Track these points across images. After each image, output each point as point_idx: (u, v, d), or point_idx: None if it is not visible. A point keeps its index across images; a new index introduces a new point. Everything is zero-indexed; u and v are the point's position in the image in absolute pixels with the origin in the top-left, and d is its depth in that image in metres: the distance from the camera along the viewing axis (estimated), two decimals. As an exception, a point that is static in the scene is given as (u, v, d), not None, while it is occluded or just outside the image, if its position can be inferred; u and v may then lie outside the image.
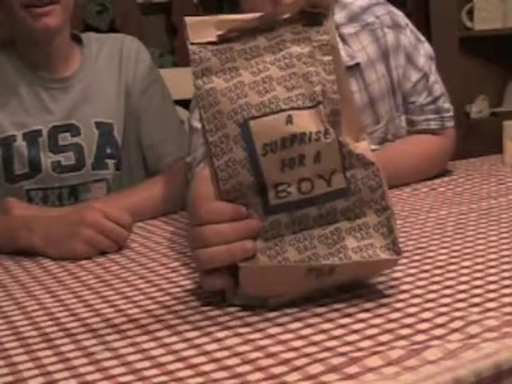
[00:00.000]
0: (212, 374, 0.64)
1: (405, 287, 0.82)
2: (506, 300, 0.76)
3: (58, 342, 0.74)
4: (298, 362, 0.65)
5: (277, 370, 0.64)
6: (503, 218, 1.09)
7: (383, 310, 0.76)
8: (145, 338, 0.74)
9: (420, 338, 0.68)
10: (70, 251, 1.07)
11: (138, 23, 2.71)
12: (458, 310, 0.75)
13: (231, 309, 0.79)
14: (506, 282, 0.82)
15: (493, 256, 0.91)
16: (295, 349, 0.68)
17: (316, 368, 0.64)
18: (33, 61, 1.39)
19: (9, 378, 0.66)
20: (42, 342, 0.75)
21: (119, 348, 0.71)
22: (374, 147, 1.29)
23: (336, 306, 0.78)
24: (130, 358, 0.69)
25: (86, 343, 0.73)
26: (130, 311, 0.82)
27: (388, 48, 1.37)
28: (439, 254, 0.94)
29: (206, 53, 0.78)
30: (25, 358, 0.71)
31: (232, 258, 0.76)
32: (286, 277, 0.77)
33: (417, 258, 0.93)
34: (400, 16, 1.41)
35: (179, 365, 0.67)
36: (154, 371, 0.66)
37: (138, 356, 0.69)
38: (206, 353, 0.69)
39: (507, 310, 0.74)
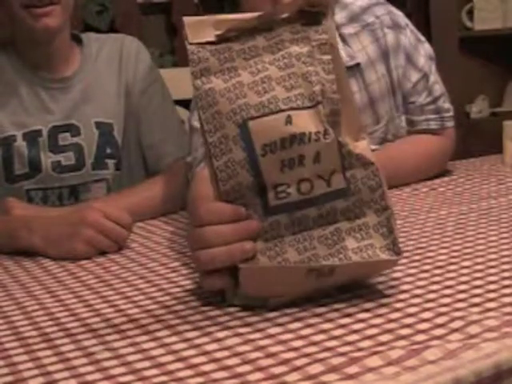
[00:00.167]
0: (212, 374, 0.64)
1: (405, 287, 0.82)
2: (506, 300, 0.76)
3: (58, 341, 0.74)
4: (298, 362, 0.65)
5: (277, 370, 0.64)
6: (503, 218, 1.09)
7: (383, 310, 0.76)
8: (145, 337, 0.74)
9: (420, 338, 0.68)
10: (70, 251, 1.07)
11: (138, 23, 2.71)
12: (457, 309, 0.75)
13: (231, 309, 0.79)
14: (506, 282, 0.82)
15: (493, 256, 0.91)
16: (295, 349, 0.68)
17: (316, 368, 0.64)
18: (33, 61, 1.39)
19: (9, 378, 0.66)
20: (41, 342, 0.75)
21: (119, 348, 0.71)
22: (374, 147, 1.29)
23: (336, 306, 0.78)
24: (130, 358, 0.69)
25: (86, 343, 0.73)
26: (129, 311, 0.82)
27: (388, 48, 1.37)
28: (439, 254, 0.94)
29: (204, 53, 0.78)
30: (25, 358, 0.71)
31: (232, 258, 0.76)
32: (286, 277, 0.77)
33: (417, 257, 0.93)
34: (400, 16, 1.41)
35: (179, 365, 0.67)
36: (154, 371, 0.66)
37: (138, 356, 0.69)
38: (206, 353, 0.69)
39: (507, 310, 0.74)
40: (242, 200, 0.77)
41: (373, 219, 0.79)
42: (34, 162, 1.36)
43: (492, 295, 0.78)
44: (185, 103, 1.73)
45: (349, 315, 0.75)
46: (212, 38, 0.78)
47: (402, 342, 0.68)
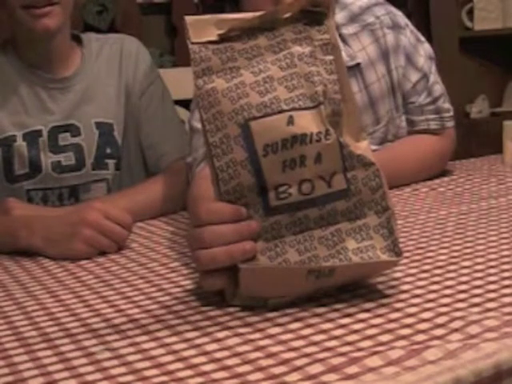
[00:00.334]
0: (212, 374, 0.64)
1: (405, 287, 0.82)
2: (506, 300, 0.76)
3: (58, 342, 0.74)
4: (298, 362, 0.65)
5: (277, 370, 0.64)
6: (503, 218, 1.09)
7: (383, 310, 0.76)
8: (145, 338, 0.74)
9: (420, 337, 0.68)
10: (69, 251, 1.07)
11: (138, 23, 2.71)
12: (457, 310, 0.75)
13: (231, 309, 0.79)
14: (506, 282, 0.82)
15: (493, 256, 0.91)
16: (295, 349, 0.68)
17: (316, 368, 0.64)
18: (33, 61, 1.39)
19: (9, 378, 0.66)
20: (42, 342, 0.75)
21: (119, 348, 0.71)
22: (374, 147, 1.29)
23: (336, 306, 0.78)
24: (130, 358, 0.69)
25: (86, 343, 0.73)
26: (130, 311, 0.82)
27: (388, 48, 1.37)
28: (439, 254, 0.94)
29: (206, 52, 0.78)
30: (25, 358, 0.71)
31: (232, 259, 0.76)
32: (287, 278, 0.77)
33: (417, 257, 0.93)
34: (400, 16, 1.41)
35: (179, 365, 0.67)
36: (154, 371, 0.66)
37: (138, 356, 0.69)
38: (206, 353, 0.69)
39: (507, 310, 0.74)
40: (243, 200, 0.77)
41: (373, 220, 0.79)
42: (34, 162, 1.37)
43: (492, 295, 0.78)
44: (185, 103, 1.73)
45: (349, 315, 0.75)
46: (214, 38, 0.78)
47: (402, 342, 0.68)
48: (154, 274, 0.96)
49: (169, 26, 2.82)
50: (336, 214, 0.78)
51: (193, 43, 0.78)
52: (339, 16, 1.36)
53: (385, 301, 0.79)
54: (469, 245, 0.97)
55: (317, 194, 0.77)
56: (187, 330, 0.75)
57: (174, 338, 0.73)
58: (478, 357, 0.63)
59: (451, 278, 0.84)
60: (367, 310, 0.76)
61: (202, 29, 0.78)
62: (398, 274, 0.86)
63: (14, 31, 1.37)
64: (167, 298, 0.86)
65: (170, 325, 0.77)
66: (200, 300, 0.83)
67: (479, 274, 0.85)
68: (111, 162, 1.42)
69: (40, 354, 0.71)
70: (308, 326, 0.74)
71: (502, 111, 3.20)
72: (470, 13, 3.20)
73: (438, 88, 1.41)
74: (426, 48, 1.42)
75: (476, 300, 0.77)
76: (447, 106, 1.43)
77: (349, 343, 0.68)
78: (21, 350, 0.73)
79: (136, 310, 0.82)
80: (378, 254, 0.78)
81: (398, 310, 0.76)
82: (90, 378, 0.65)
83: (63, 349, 0.72)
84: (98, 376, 0.65)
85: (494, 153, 1.60)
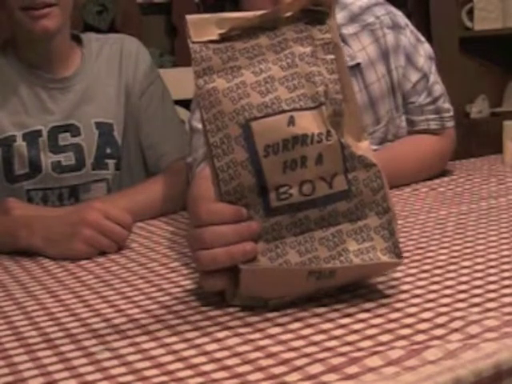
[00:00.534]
0: (212, 374, 0.64)
1: (405, 287, 0.82)
2: (506, 300, 0.76)
3: (58, 342, 0.74)
4: (298, 362, 0.65)
5: (277, 370, 0.64)
6: (503, 218, 1.09)
7: (383, 310, 0.76)
8: (145, 338, 0.74)
9: (420, 337, 0.68)
10: (69, 251, 1.07)
11: (138, 23, 2.71)
12: (458, 310, 0.75)
13: (231, 309, 0.79)
14: (506, 282, 0.82)
15: (493, 256, 0.91)
16: (295, 349, 0.68)
17: (316, 368, 0.64)
18: (33, 61, 1.39)
19: (9, 378, 0.66)
20: (42, 342, 0.75)
21: (119, 348, 0.71)
22: (374, 147, 1.29)
23: (336, 306, 0.78)
24: (130, 358, 0.69)
25: (86, 343, 0.73)
26: (130, 311, 0.82)
27: (388, 48, 1.37)
28: (439, 254, 0.94)
29: (207, 52, 0.77)
30: (25, 358, 0.71)
31: (232, 259, 0.76)
32: (287, 279, 0.77)
33: (417, 257, 0.93)
34: (400, 16, 1.41)
35: (179, 365, 0.67)
36: (154, 371, 0.66)
37: (138, 356, 0.69)
38: (206, 353, 0.69)
39: (507, 310, 0.74)
40: (244, 201, 0.77)
41: (374, 221, 0.79)
42: (34, 162, 1.37)
43: (492, 295, 0.78)
44: (185, 103, 1.73)
45: (349, 315, 0.75)
46: (215, 37, 0.78)
47: (402, 342, 0.68)
48: (153, 273, 0.96)
49: (169, 26, 2.82)
50: (337, 214, 0.78)
51: (194, 42, 0.78)
52: (339, 16, 1.35)
53: (385, 301, 0.79)
54: (469, 245, 0.97)
55: (318, 195, 0.77)
56: (187, 330, 0.75)
57: (173, 338, 0.73)
58: (478, 357, 0.63)
59: (451, 278, 0.84)
60: (367, 310, 0.76)
61: (203, 28, 0.78)
62: (398, 274, 0.86)
63: (14, 32, 1.37)
64: (167, 297, 0.86)
65: (170, 325, 0.77)
66: (200, 300, 0.83)
67: (479, 274, 0.85)
68: (111, 162, 1.42)
69: (40, 353, 0.71)
70: (308, 326, 0.74)
71: (502, 111, 3.20)
72: (470, 13, 3.20)
73: (438, 88, 1.41)
74: (425, 48, 1.42)
75: (476, 300, 0.77)
76: (447, 105, 1.43)
77: (349, 343, 0.68)
78: (21, 350, 0.73)
79: (136, 310, 0.82)
80: (379, 255, 0.78)
81: (397, 309, 0.76)
82: (90, 377, 0.65)
83: (63, 349, 0.72)
84: (97, 376, 0.65)
85: (494, 153, 1.60)
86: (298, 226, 0.77)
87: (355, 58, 1.35)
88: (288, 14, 0.80)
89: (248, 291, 0.78)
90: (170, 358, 0.68)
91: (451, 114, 1.43)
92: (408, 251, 0.95)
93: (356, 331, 0.71)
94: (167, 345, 0.71)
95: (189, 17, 0.78)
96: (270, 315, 0.77)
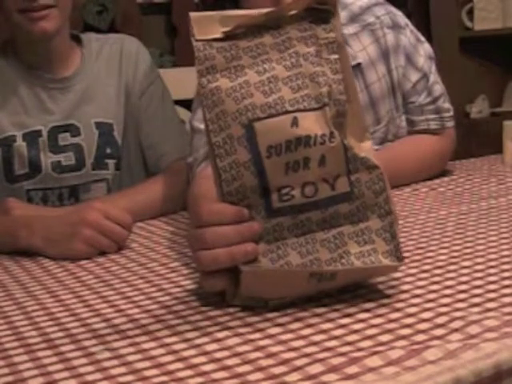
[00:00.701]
0: (212, 374, 0.64)
1: (405, 287, 0.82)
2: (506, 300, 0.76)
3: (58, 342, 0.74)
4: (298, 362, 0.65)
5: (277, 370, 0.64)
6: (503, 218, 1.09)
7: (383, 310, 0.76)
8: (145, 338, 0.74)
9: (420, 337, 0.68)
10: (69, 251, 1.07)
11: (138, 23, 2.71)
12: (457, 310, 0.75)
13: (231, 309, 0.79)
14: (506, 282, 0.82)
15: (493, 256, 0.91)
16: (295, 349, 0.68)
17: (316, 368, 0.64)
18: (32, 61, 1.39)
19: (9, 378, 0.66)
20: (42, 342, 0.75)
21: (119, 348, 0.71)
22: (375, 147, 1.29)
23: (336, 306, 0.78)
24: (130, 358, 0.69)
25: (86, 343, 0.73)
26: (130, 311, 0.82)
27: (388, 48, 1.37)
28: (439, 254, 0.94)
29: (210, 50, 0.77)
30: (25, 358, 0.71)
31: (233, 260, 0.76)
32: (288, 280, 0.77)
33: (417, 257, 0.93)
34: (400, 16, 1.41)
35: (179, 365, 0.67)
36: (154, 371, 0.66)
37: (138, 356, 0.69)
38: (206, 353, 0.69)
39: (507, 310, 0.74)
40: (246, 201, 0.77)
41: (376, 224, 0.79)
42: (34, 162, 1.37)
43: (492, 295, 0.78)
44: (185, 103, 1.73)
45: (349, 315, 0.75)
46: (219, 35, 0.77)
47: (402, 342, 0.68)
48: (153, 273, 0.96)
49: (169, 26, 2.82)
50: (339, 216, 0.78)
51: (197, 40, 0.77)
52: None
53: (385, 301, 0.79)
54: (469, 245, 0.97)
55: (320, 197, 0.77)
56: (187, 330, 0.75)
57: (173, 338, 0.73)
58: (478, 357, 0.63)
59: (451, 278, 0.84)
60: (367, 310, 0.76)
61: (207, 26, 0.77)
62: (398, 274, 0.86)
63: (13, 33, 1.37)
64: (167, 297, 0.86)
65: (170, 325, 0.77)
66: (200, 300, 0.83)
67: (479, 274, 0.85)
68: (111, 162, 1.42)
69: (40, 353, 0.71)
70: (308, 325, 0.73)
71: (502, 111, 3.20)
72: (470, 13, 3.20)
73: (438, 88, 1.41)
74: (425, 48, 1.42)
75: (476, 300, 0.77)
76: (447, 105, 1.43)
77: (349, 343, 0.68)
78: (21, 350, 0.73)
79: (136, 310, 0.82)
80: (380, 258, 0.78)
81: (398, 310, 0.76)
82: (90, 377, 0.65)
83: (63, 349, 0.72)
84: (97, 376, 0.65)
85: (494, 153, 1.60)
86: (299, 228, 0.77)
87: (356, 58, 1.35)
88: (292, 12, 0.79)
89: (248, 292, 0.78)
90: (170, 358, 0.68)
91: (451, 113, 1.43)
92: (408, 251, 0.95)
93: (356, 331, 0.71)
94: (167, 345, 0.71)
95: (192, 14, 0.78)
96: (269, 315, 0.77)
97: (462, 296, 0.78)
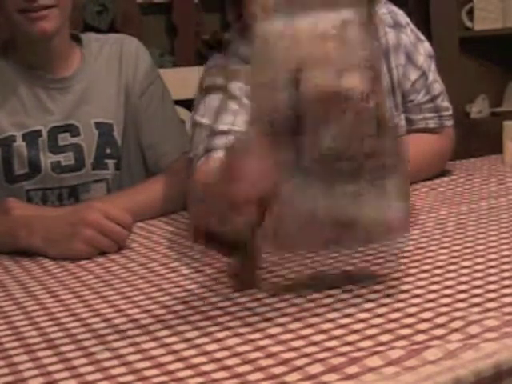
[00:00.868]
0: (212, 374, 0.64)
1: (405, 287, 0.82)
2: (506, 300, 0.76)
3: (58, 342, 0.74)
4: (298, 362, 0.65)
5: (277, 370, 0.64)
6: (503, 218, 1.09)
7: (383, 310, 0.76)
8: (145, 338, 0.74)
9: (420, 337, 0.68)
10: (69, 251, 1.07)
11: (138, 23, 2.71)
12: (457, 310, 0.75)
13: (231, 309, 0.80)
14: (506, 282, 0.82)
15: (493, 256, 0.91)
16: (295, 349, 0.68)
17: (316, 368, 0.64)
18: (32, 61, 1.39)
19: (9, 378, 0.66)
20: (42, 342, 0.75)
21: (119, 348, 0.71)
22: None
23: (336, 305, 0.78)
24: (130, 358, 0.69)
25: (86, 343, 0.73)
26: (130, 311, 0.82)
27: (389, 47, 1.37)
28: (439, 254, 0.94)
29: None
30: (25, 358, 0.71)
31: (261, 191, 0.76)
32: (312, 226, 0.79)
33: (417, 258, 0.93)
34: (401, 15, 1.41)
35: (179, 365, 0.67)
36: (154, 371, 0.66)
37: (138, 356, 0.69)
38: (206, 353, 0.69)
39: (507, 310, 0.74)
40: (280, 141, 0.78)
41: (394, 183, 0.81)
42: (34, 162, 1.36)
43: (492, 295, 0.78)
44: (185, 103, 1.73)
45: (349, 315, 0.75)
46: None
47: (402, 342, 0.68)
48: (153, 273, 0.96)
49: (169, 26, 2.82)
50: (363, 171, 0.80)
51: None
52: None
53: (385, 301, 0.79)
54: (469, 245, 0.97)
55: (350, 150, 0.79)
56: (187, 330, 0.75)
57: (173, 338, 0.73)
58: (478, 357, 0.63)
59: (451, 278, 0.84)
60: (367, 310, 0.76)
61: None
62: (398, 274, 0.86)
63: (13, 33, 1.37)
64: (167, 297, 0.86)
65: (170, 325, 0.77)
66: (200, 300, 0.83)
67: (479, 274, 0.85)
68: (111, 162, 1.42)
69: (40, 353, 0.72)
70: (308, 326, 0.74)
71: (502, 111, 3.19)
72: (470, 13, 3.20)
73: (437, 86, 1.41)
74: (425, 47, 1.42)
75: (476, 300, 0.77)
76: (446, 104, 1.43)
77: (349, 343, 0.68)
78: (21, 350, 0.73)
79: (136, 310, 0.82)
80: (394, 213, 0.80)
81: (397, 310, 0.76)
82: (90, 378, 0.65)
83: (63, 349, 0.72)
84: (97, 376, 0.65)
85: (494, 153, 1.60)
86: (327, 176, 0.79)
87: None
88: None
89: (276, 241, 0.79)
90: (169, 358, 0.68)
91: (450, 112, 1.43)
92: (408, 251, 0.95)
93: (356, 331, 0.71)
94: (167, 345, 0.71)
95: None
96: (270, 315, 0.77)
97: (462, 296, 0.78)
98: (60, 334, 0.76)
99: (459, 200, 1.23)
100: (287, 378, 0.62)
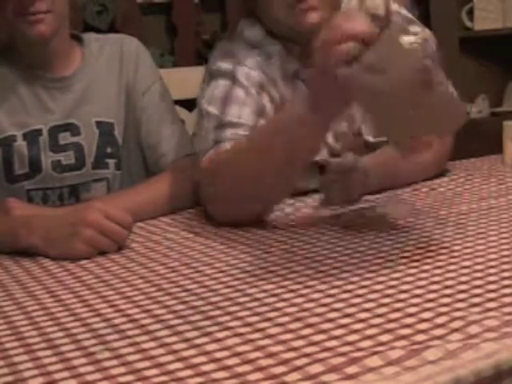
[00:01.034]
0: (212, 374, 0.64)
1: (405, 287, 0.82)
2: (506, 300, 0.76)
3: (58, 341, 0.74)
4: (298, 362, 0.65)
5: (277, 370, 0.64)
6: (503, 218, 1.09)
7: (383, 310, 0.76)
8: (145, 337, 0.74)
9: (420, 337, 0.68)
10: (69, 251, 1.07)
11: (138, 23, 2.71)
12: (457, 309, 0.75)
13: (231, 309, 0.80)
14: (506, 282, 0.82)
15: (493, 256, 0.91)
16: (295, 349, 0.68)
17: (316, 368, 0.64)
18: (32, 61, 1.39)
19: (9, 378, 0.66)
20: (42, 341, 0.75)
21: (119, 348, 0.71)
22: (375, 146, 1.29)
23: (336, 305, 0.78)
24: (130, 358, 0.69)
25: (86, 343, 0.73)
26: (129, 311, 0.82)
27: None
28: (439, 253, 0.94)
29: None
30: (25, 357, 0.71)
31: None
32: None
33: (417, 258, 0.93)
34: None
35: (179, 365, 0.67)
36: (154, 371, 0.66)
37: (138, 356, 0.69)
38: (205, 353, 0.69)
39: (507, 310, 0.74)
40: None
41: None
42: (35, 161, 1.36)
43: (492, 295, 0.78)
44: (185, 103, 1.73)
45: (349, 315, 0.75)
46: None
47: (402, 342, 0.68)
48: (153, 273, 0.96)
49: (169, 26, 2.82)
50: None
51: None
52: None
53: (385, 301, 0.79)
54: (469, 245, 0.97)
55: None
56: (187, 330, 0.75)
57: (173, 338, 0.73)
58: (478, 357, 0.64)
59: (451, 278, 0.84)
60: (367, 310, 0.76)
61: None
62: (398, 274, 0.87)
63: (12, 35, 1.37)
64: (167, 297, 0.86)
65: (170, 325, 0.77)
66: (200, 300, 0.83)
67: (479, 274, 0.85)
68: (111, 162, 1.42)
69: (40, 353, 0.72)
70: (308, 325, 0.74)
71: (502, 111, 3.19)
72: (470, 13, 3.19)
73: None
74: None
75: (476, 300, 0.77)
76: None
77: (349, 343, 0.68)
78: (21, 350, 0.73)
79: (136, 310, 0.82)
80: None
81: (397, 310, 0.76)
82: (90, 377, 0.65)
83: (63, 349, 0.72)
84: (97, 376, 0.65)
85: (494, 153, 1.60)
86: None
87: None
88: None
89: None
90: (169, 357, 0.68)
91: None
92: (408, 251, 0.95)
93: (356, 331, 0.71)
94: (167, 345, 0.71)
95: None
96: (269, 315, 0.77)
97: (462, 296, 0.78)
98: (60, 334, 0.76)
99: (459, 200, 1.23)
100: (287, 378, 0.62)
